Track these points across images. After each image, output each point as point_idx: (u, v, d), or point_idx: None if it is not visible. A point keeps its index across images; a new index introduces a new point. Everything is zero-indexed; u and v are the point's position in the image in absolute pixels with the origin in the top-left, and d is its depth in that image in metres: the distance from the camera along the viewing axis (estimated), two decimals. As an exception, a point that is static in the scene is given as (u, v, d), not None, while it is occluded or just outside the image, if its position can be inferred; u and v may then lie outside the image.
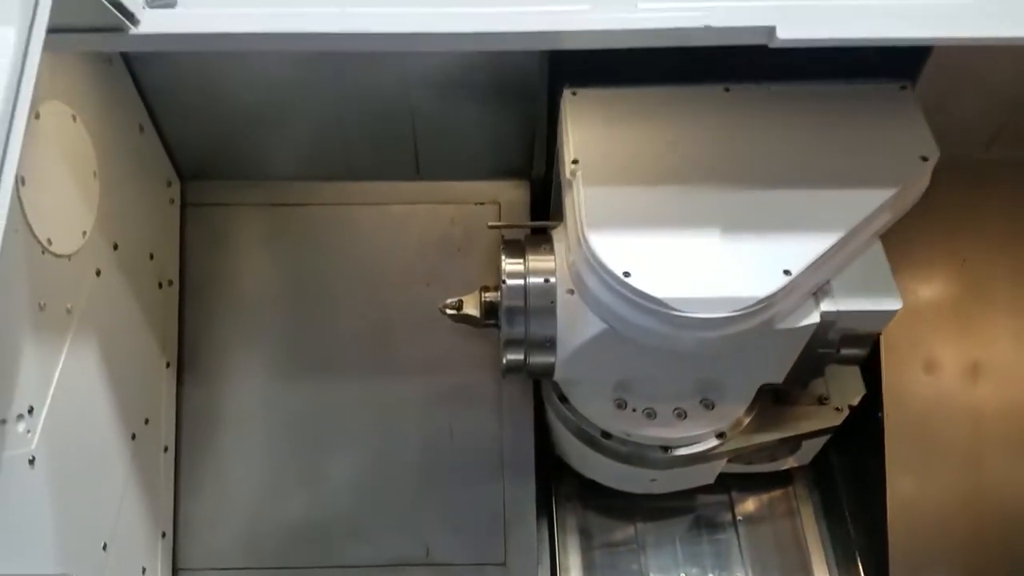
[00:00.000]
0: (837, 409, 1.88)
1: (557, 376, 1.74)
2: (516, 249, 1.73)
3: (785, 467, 2.11)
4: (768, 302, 1.41)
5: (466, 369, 2.19)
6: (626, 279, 1.42)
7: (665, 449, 1.79)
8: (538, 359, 1.68)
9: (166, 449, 2.06)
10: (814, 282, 1.50)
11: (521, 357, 1.69)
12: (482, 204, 2.27)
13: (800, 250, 1.44)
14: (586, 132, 1.64)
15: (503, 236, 1.77)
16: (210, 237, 2.21)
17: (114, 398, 1.77)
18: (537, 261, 1.68)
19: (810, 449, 2.03)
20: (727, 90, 1.70)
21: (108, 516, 1.75)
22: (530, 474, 2.11)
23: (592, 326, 1.56)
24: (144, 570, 1.93)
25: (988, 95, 1.94)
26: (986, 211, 2.08)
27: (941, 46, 1.66)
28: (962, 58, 1.78)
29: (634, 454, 1.82)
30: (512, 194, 2.27)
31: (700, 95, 1.69)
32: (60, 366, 1.54)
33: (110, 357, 1.74)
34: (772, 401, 1.85)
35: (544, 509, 2.15)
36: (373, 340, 2.21)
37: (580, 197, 1.53)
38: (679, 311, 1.39)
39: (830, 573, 2.12)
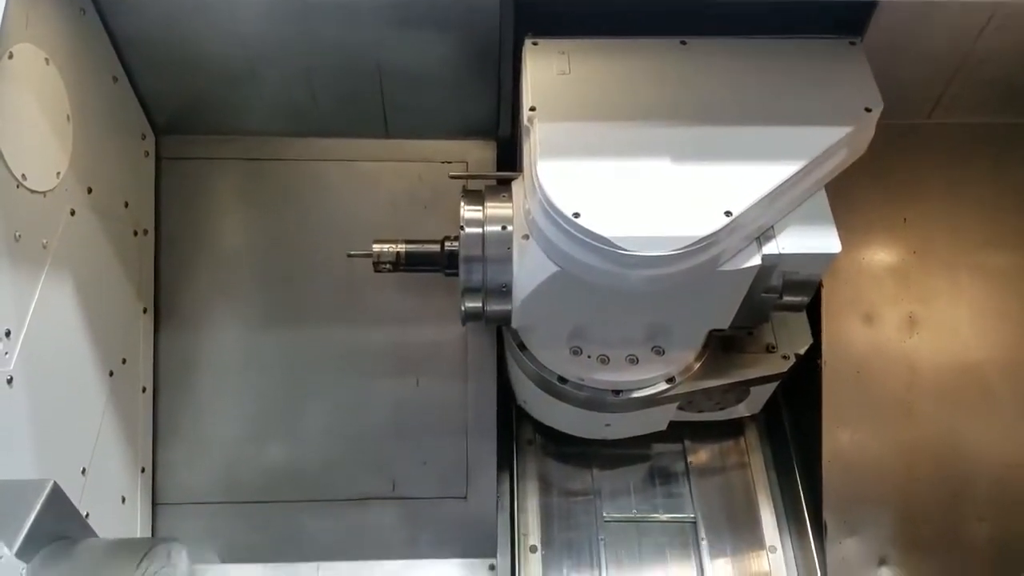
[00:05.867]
0: (784, 357, 1.95)
1: (515, 322, 1.80)
2: (475, 198, 1.79)
3: (735, 416, 2.20)
4: (709, 241, 1.48)
5: (432, 322, 2.25)
6: (576, 219, 1.49)
7: (617, 393, 1.86)
8: (495, 307, 1.74)
9: (144, 390, 2.12)
10: (756, 225, 1.57)
11: (479, 305, 1.75)
12: (449, 163, 2.32)
13: (741, 193, 1.51)
14: (544, 80, 1.70)
15: (464, 186, 1.83)
16: (184, 190, 2.26)
17: (91, 334, 1.83)
18: (495, 208, 1.75)
19: (759, 397, 2.11)
20: (683, 43, 1.77)
21: (87, 443, 1.83)
22: (491, 418, 2.20)
23: (545, 269, 1.62)
24: (124, 499, 2.01)
25: (928, 64, 2.03)
26: (927, 174, 2.20)
27: (883, 12, 1.76)
28: (903, 27, 1.86)
29: (589, 398, 1.89)
30: (479, 153, 2.32)
31: (657, 47, 1.76)
32: (36, 296, 1.61)
33: (86, 295, 1.80)
34: (721, 349, 1.93)
35: (506, 453, 2.23)
36: (343, 293, 2.27)
37: (535, 142, 1.59)
38: (624, 249, 1.46)
39: (777, 521, 2.21)
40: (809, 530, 2.17)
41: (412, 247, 1.87)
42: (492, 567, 2.06)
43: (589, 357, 1.86)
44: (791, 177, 1.54)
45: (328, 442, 2.23)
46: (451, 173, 1.88)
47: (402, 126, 2.28)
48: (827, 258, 1.60)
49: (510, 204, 1.75)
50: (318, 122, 2.27)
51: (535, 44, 1.78)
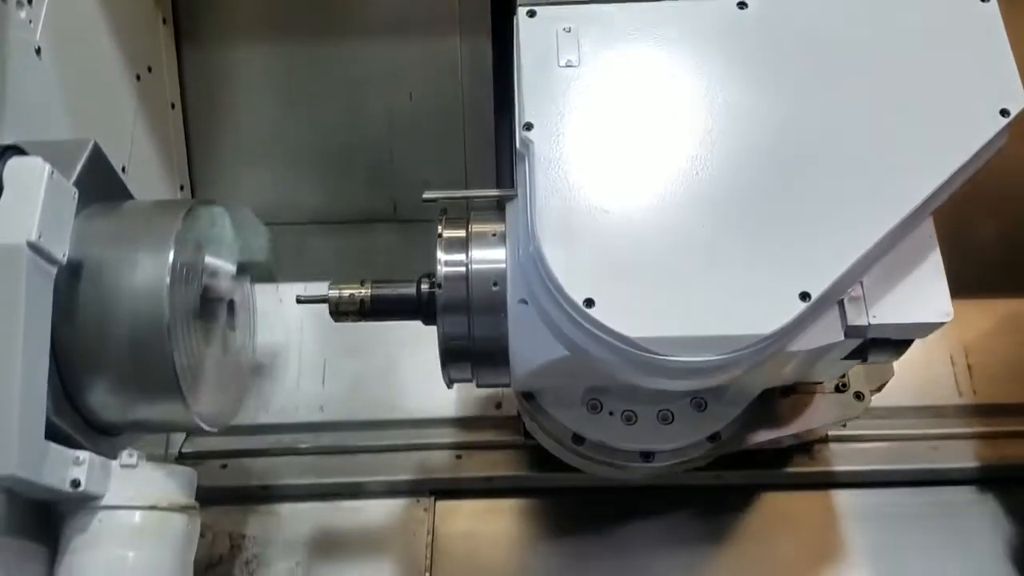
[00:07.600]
0: (858, 396, 1.57)
1: (515, 389, 1.43)
2: (457, 226, 1.35)
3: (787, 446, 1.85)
4: (778, 336, 1.07)
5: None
6: (588, 310, 1.07)
7: (647, 457, 1.51)
8: (489, 378, 1.36)
9: (173, 106, 2.05)
10: (841, 291, 1.14)
11: (468, 375, 1.37)
12: None
13: (823, 264, 1.08)
14: (547, 81, 1.22)
15: (442, 212, 1.39)
16: None
17: (111, 28, 1.72)
18: (482, 253, 1.31)
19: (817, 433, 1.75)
20: (743, 5, 1.26)
21: (123, 143, 1.77)
22: (489, 131, 2.07)
23: (551, 350, 1.22)
24: None
25: None
26: None
27: None
28: None
29: (611, 460, 1.54)
30: None
31: (703, 17, 1.25)
32: None
33: None
34: (779, 392, 1.54)
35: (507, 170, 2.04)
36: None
37: (535, 187, 1.14)
38: (657, 354, 1.06)
39: None
40: None
41: (380, 290, 1.44)
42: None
43: (611, 414, 1.49)
44: (888, 232, 1.10)
45: (326, 161, 2.15)
46: (426, 194, 1.42)
47: None
48: (932, 327, 1.18)
49: (503, 247, 1.31)
50: None
51: (531, 15, 1.28)
